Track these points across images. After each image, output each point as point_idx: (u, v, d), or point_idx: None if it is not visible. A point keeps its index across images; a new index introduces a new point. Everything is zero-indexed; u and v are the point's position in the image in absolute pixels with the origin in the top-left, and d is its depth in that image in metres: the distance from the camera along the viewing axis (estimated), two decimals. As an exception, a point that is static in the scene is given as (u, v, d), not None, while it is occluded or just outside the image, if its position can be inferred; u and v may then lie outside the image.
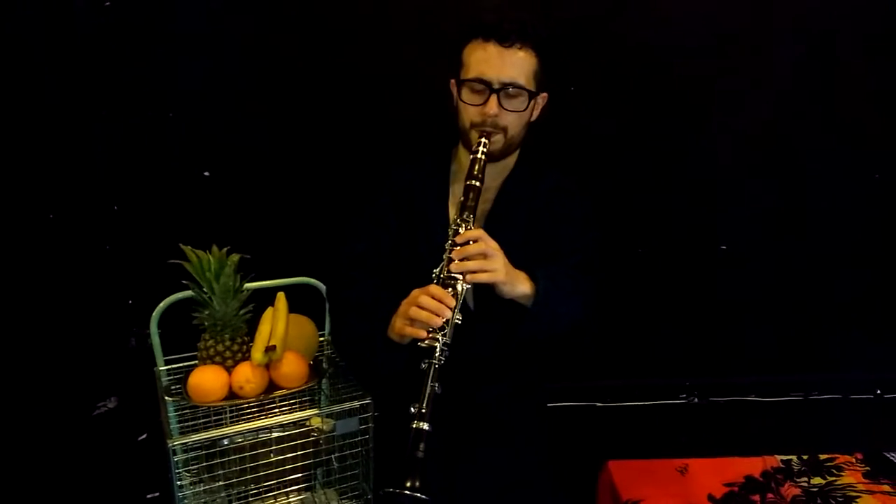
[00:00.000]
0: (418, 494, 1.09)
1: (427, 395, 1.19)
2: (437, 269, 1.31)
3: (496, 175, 1.51)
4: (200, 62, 2.12)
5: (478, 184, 1.36)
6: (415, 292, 1.29)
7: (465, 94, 1.42)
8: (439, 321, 1.24)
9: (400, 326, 1.30)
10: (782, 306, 2.49)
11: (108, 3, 2.04)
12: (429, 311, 1.25)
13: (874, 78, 2.28)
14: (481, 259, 1.30)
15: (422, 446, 1.14)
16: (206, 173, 2.20)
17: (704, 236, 2.41)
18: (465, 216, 1.33)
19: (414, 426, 1.16)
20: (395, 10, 2.09)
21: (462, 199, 1.36)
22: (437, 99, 1.53)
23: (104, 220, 2.22)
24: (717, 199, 2.37)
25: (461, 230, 1.32)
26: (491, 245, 1.32)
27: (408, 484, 1.10)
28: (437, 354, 1.22)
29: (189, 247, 1.41)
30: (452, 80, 1.49)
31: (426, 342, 1.23)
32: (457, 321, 1.27)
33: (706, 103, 2.27)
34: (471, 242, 1.30)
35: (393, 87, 2.15)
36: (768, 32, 2.21)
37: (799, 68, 2.25)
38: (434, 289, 1.27)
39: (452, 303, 1.26)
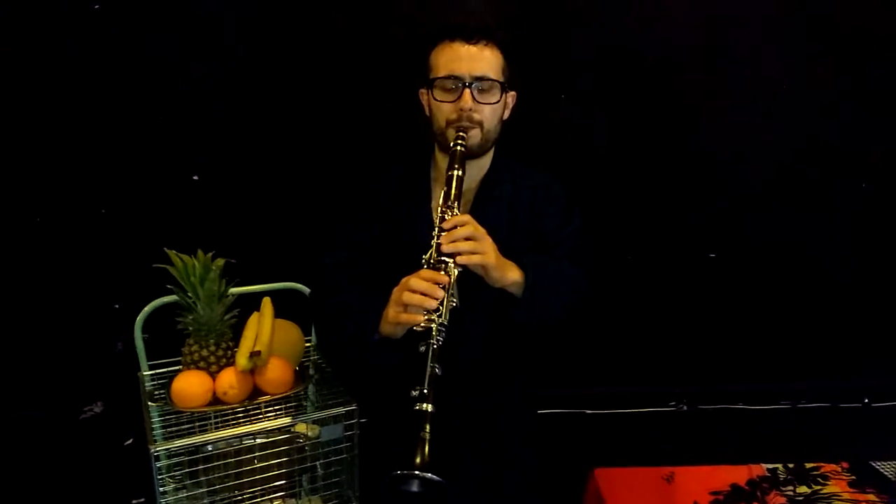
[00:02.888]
0: (429, 475, 1.07)
1: (428, 377, 1.17)
2: (426, 255, 1.30)
3: (473, 175, 1.51)
4: (191, 67, 2.12)
5: (460, 173, 1.36)
6: (405, 279, 1.29)
7: (438, 94, 1.42)
8: (434, 303, 1.23)
9: (394, 315, 1.28)
10: (771, 314, 2.50)
11: (97, 6, 2.04)
12: (421, 294, 1.24)
13: (867, 88, 2.29)
14: (470, 242, 1.30)
15: (427, 427, 1.12)
16: (196, 178, 2.20)
17: (694, 244, 2.42)
18: (449, 203, 1.33)
19: (417, 408, 1.14)
20: (383, 23, 2.10)
21: (445, 188, 1.36)
22: (417, 109, 1.53)
23: (91, 223, 2.21)
24: (706, 206, 2.37)
25: (447, 216, 1.32)
26: (479, 229, 1.32)
27: (417, 461, 1.08)
28: (434, 335, 1.21)
29: (174, 251, 1.40)
30: (421, 90, 1.50)
31: (422, 325, 1.22)
32: (452, 303, 1.26)
33: (697, 111, 2.28)
34: (458, 227, 1.30)
35: (378, 96, 2.16)
36: (762, 42, 2.22)
37: (792, 78, 2.26)
38: (425, 272, 1.27)
39: (445, 280, 1.25)
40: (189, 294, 1.40)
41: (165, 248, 1.40)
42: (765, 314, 2.50)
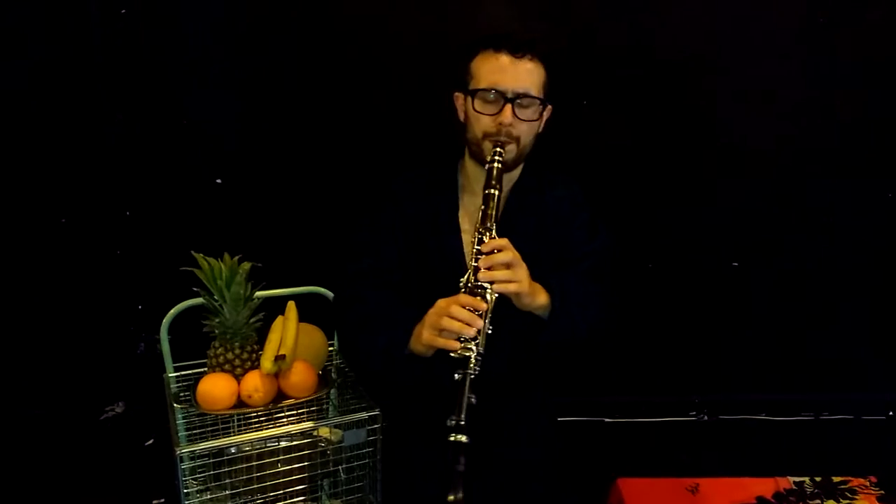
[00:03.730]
0: None
1: (465, 407, 1.16)
2: (464, 279, 1.29)
3: (503, 185, 1.51)
4: (215, 71, 2.13)
5: (496, 192, 1.35)
6: (441, 302, 1.27)
7: (479, 105, 1.41)
8: (472, 331, 1.22)
9: (429, 338, 1.27)
10: (793, 324, 2.47)
11: (123, 11, 2.05)
12: (461, 322, 1.23)
13: (883, 94, 2.27)
14: (508, 269, 1.29)
15: (462, 459, 1.11)
16: (219, 181, 2.21)
17: (716, 252, 2.40)
18: (487, 224, 1.32)
19: (452, 439, 1.12)
20: (405, 24, 2.10)
21: (482, 207, 1.35)
22: (445, 111, 1.53)
23: (116, 225, 2.23)
24: (729, 215, 2.35)
25: (485, 238, 1.31)
26: (516, 255, 1.31)
27: (450, 498, 1.07)
28: (472, 365, 1.20)
29: (201, 254, 1.41)
30: (457, 93, 1.48)
31: (459, 352, 1.21)
32: (488, 331, 1.25)
33: (719, 119, 2.26)
34: (495, 251, 1.29)
35: (404, 98, 2.16)
36: (781, 47, 2.20)
37: (810, 83, 2.24)
38: (464, 298, 1.25)
39: (484, 307, 1.24)
40: (215, 297, 1.41)
41: (193, 252, 1.41)
42: (786, 323, 2.47)
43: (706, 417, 2.51)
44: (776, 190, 2.34)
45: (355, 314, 1.45)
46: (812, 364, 2.51)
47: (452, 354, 1.22)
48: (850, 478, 1.42)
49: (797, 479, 1.43)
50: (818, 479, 1.43)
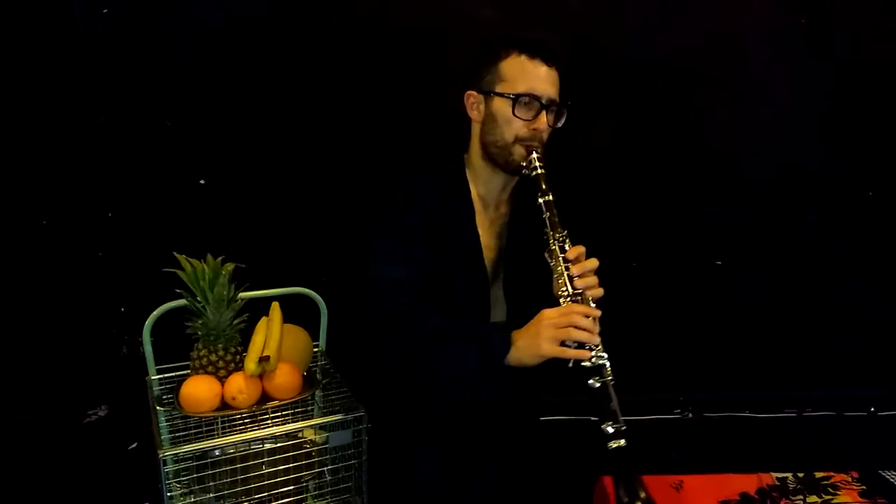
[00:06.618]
0: None
1: (617, 411, 1.18)
2: (563, 288, 1.30)
3: (504, 187, 1.52)
4: (198, 71, 2.12)
5: (551, 197, 1.37)
6: (551, 313, 1.26)
7: (517, 109, 1.41)
8: (597, 338, 1.24)
9: (553, 349, 1.25)
10: (777, 322, 2.49)
11: (105, 11, 2.04)
12: (587, 331, 1.23)
13: (871, 96, 2.29)
14: (595, 276, 1.31)
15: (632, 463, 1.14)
16: (202, 181, 2.20)
17: (700, 251, 2.41)
18: (561, 231, 1.34)
19: (614, 445, 1.16)
20: (397, 19, 2.10)
21: (546, 214, 1.36)
22: (442, 108, 1.52)
23: (98, 226, 2.21)
24: (712, 214, 2.37)
25: (566, 246, 1.32)
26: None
27: (642, 495, 1.10)
28: (608, 369, 1.22)
29: (183, 255, 1.39)
30: (469, 92, 1.48)
31: (591, 361, 1.22)
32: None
33: (703, 117, 2.28)
34: (582, 260, 1.31)
35: (392, 97, 2.16)
36: (769, 51, 2.22)
37: (797, 86, 2.26)
38: (579, 307, 1.26)
39: (598, 313, 1.26)
40: (198, 298, 1.39)
41: (175, 253, 1.40)
42: (769, 321, 2.50)
43: (690, 415, 2.53)
44: (759, 189, 2.36)
45: (418, 331, 1.38)
46: (795, 361, 2.54)
47: (585, 364, 1.22)
48: (832, 473, 1.43)
49: (780, 475, 1.44)
50: (801, 474, 1.44)
